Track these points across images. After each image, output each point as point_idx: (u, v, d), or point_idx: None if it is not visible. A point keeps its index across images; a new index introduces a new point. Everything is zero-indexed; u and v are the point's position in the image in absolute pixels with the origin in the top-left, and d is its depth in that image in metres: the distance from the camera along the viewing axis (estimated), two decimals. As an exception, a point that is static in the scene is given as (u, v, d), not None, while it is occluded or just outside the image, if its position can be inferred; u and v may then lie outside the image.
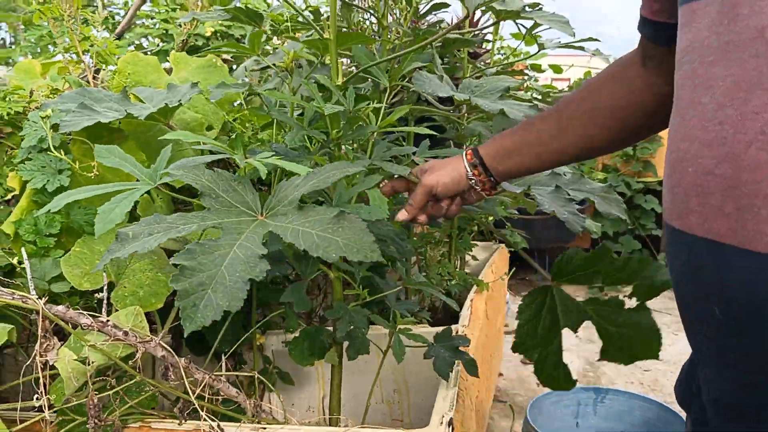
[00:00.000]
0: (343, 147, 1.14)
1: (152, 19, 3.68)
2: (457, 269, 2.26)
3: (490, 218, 2.50)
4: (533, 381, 2.49)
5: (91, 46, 1.63)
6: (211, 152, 1.05)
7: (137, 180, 1.01)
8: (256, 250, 0.82)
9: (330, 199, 1.08)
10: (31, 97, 1.24)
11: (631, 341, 1.12)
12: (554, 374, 1.23)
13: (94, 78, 1.61)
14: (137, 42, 3.88)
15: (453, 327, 1.74)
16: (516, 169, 1.08)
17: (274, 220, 0.89)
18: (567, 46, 1.88)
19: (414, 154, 1.22)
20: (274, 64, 1.28)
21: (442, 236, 2.25)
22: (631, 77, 0.95)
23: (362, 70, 1.14)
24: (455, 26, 1.05)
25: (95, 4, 4.46)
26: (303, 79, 1.15)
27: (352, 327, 1.16)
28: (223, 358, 1.18)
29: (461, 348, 1.30)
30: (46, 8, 1.55)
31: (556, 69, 2.62)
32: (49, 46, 2.48)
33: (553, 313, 1.18)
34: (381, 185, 1.16)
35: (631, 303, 1.13)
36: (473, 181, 1.09)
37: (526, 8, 1.52)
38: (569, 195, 1.10)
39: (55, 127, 1.10)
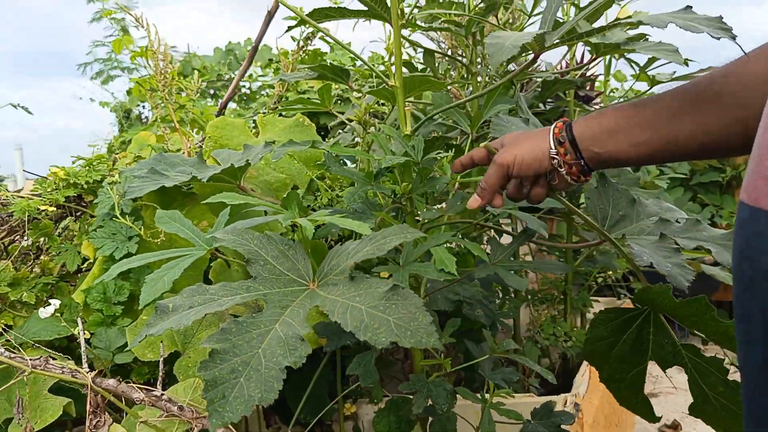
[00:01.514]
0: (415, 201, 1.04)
1: (272, 87, 3.84)
2: (575, 328, 2.06)
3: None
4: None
5: (186, 114, 1.67)
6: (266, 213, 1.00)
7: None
8: (298, 329, 0.73)
9: (395, 259, 0.98)
10: (114, 165, 1.26)
11: (727, 414, 0.91)
12: (633, 401, 1.03)
13: (198, 145, 1.64)
14: (262, 111, 4.04)
15: (564, 397, 1.56)
16: (615, 154, 0.87)
17: (325, 291, 0.81)
18: (683, 77, 1.70)
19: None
20: (348, 119, 1.22)
21: (557, 293, 2.07)
22: None
23: (432, 115, 1.05)
24: (528, 64, 0.93)
25: (222, 76, 4.73)
26: (373, 132, 1.08)
27: (430, 402, 1.04)
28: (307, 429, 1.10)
29: (565, 426, 1.14)
30: (143, 80, 1.60)
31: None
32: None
33: (641, 341, 0.99)
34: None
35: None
36: (556, 161, 0.90)
37: (628, 41, 1.38)
38: (677, 245, 0.92)
39: (124, 194, 1.10)
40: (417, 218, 1.07)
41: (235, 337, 0.74)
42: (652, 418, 1.07)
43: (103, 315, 1.04)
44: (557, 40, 0.90)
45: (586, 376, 1.69)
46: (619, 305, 2.43)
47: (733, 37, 0.79)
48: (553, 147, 0.90)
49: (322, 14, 1.26)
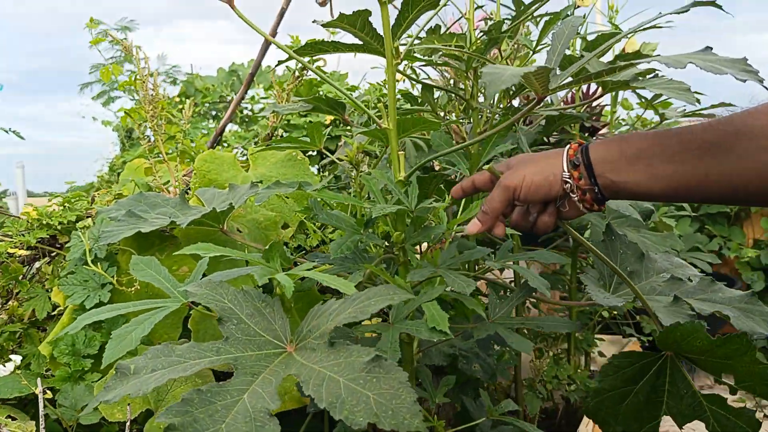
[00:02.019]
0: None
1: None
2: (579, 370, 1.97)
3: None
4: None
5: (177, 144, 1.61)
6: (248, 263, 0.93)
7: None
8: (268, 402, 0.65)
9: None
10: (92, 203, 1.19)
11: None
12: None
13: (184, 177, 1.57)
14: (254, 141, 4.00)
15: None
16: (633, 186, 0.78)
17: (302, 356, 0.73)
18: (694, 114, 1.63)
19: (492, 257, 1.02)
20: (338, 158, 1.16)
21: (560, 332, 1.99)
22: None
23: (429, 160, 0.98)
24: (532, 106, 0.86)
25: (225, 98, 4.69)
26: (363, 175, 1.01)
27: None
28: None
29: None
30: (132, 111, 1.54)
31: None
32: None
33: (656, 392, 0.89)
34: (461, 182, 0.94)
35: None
36: (569, 185, 0.81)
37: (638, 77, 1.31)
38: (693, 309, 0.85)
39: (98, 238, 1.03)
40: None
41: (197, 410, 0.66)
42: None
43: (71, 369, 0.96)
44: (564, 81, 0.83)
45: (589, 428, 1.61)
46: (624, 344, 2.34)
47: (761, 81, 0.72)
48: (566, 170, 0.81)
49: (315, 48, 1.20)
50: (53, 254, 1.16)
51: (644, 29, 0.96)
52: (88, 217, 1.15)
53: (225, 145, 4.41)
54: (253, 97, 4.73)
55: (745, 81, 0.65)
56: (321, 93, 2.07)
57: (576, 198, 0.82)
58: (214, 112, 4.78)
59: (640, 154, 0.77)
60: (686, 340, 0.82)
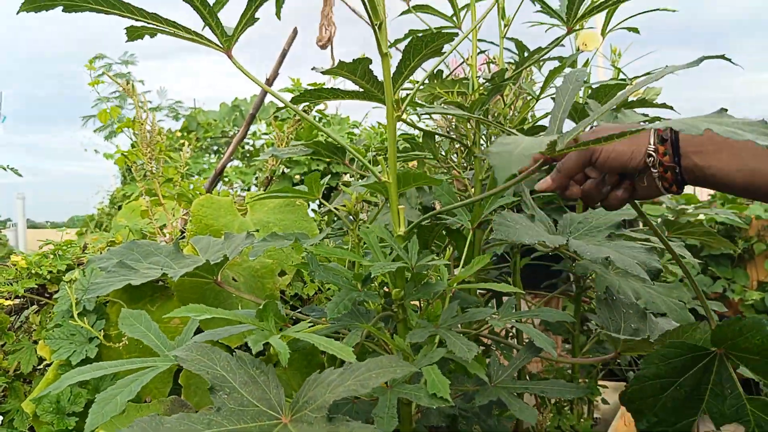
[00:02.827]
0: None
1: (274, 145, 3.78)
2: (582, 419, 1.92)
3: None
4: None
5: (175, 186, 1.58)
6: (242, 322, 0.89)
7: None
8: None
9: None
10: (84, 251, 1.16)
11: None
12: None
13: (181, 220, 1.54)
14: (254, 182, 3.99)
15: None
16: (717, 173, 0.76)
17: (298, 429, 0.69)
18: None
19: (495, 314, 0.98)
20: (336, 208, 1.13)
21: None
22: None
23: (432, 215, 0.95)
24: (537, 167, 0.83)
25: (227, 133, 4.69)
26: (362, 228, 0.98)
27: None
28: None
29: None
30: (130, 153, 1.52)
31: (691, 199, 2.29)
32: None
33: (699, 388, 0.84)
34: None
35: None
36: (652, 159, 0.79)
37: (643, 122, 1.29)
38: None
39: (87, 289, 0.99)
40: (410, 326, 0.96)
41: (186, 492, 0.62)
42: None
43: (54, 429, 0.92)
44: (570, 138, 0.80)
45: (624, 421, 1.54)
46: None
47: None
48: (652, 143, 0.79)
49: (314, 95, 1.18)
50: (42, 303, 1.12)
51: (651, 79, 0.94)
52: (79, 265, 1.12)
53: (226, 179, 4.40)
54: (254, 133, 4.74)
55: (766, 145, 0.62)
56: (321, 137, 2.05)
57: (656, 174, 0.80)
58: (215, 147, 4.79)
59: (728, 144, 0.75)
60: (745, 336, 0.78)
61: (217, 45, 0.93)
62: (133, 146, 1.67)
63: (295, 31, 2.00)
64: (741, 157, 0.75)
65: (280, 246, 0.96)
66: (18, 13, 0.88)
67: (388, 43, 0.98)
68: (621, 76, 1.78)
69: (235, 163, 4.72)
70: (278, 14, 1.12)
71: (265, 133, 4.78)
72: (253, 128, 5.08)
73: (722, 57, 0.90)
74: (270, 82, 1.99)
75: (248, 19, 0.93)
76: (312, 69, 1.08)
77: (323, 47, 2.00)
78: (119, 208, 5.72)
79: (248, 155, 4.84)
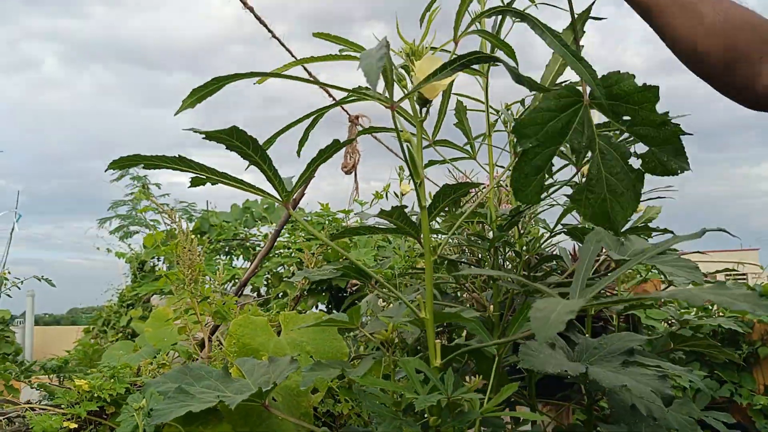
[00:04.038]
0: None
1: (288, 248, 3.92)
2: None
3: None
4: None
5: (210, 304, 1.70)
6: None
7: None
8: None
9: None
10: (138, 373, 1.26)
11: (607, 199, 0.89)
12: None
13: (209, 338, 1.65)
14: (276, 270, 4.12)
15: None
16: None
17: None
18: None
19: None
20: (372, 335, 1.23)
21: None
22: None
23: (464, 351, 1.06)
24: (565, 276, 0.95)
25: (239, 235, 4.84)
26: (401, 359, 1.08)
27: None
28: None
29: None
30: (171, 274, 1.64)
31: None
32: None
33: (569, 124, 0.98)
34: None
35: None
36: None
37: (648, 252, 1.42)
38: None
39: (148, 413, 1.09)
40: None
41: None
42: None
43: None
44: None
45: None
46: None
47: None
48: None
49: (353, 232, 1.31)
50: (99, 424, 1.21)
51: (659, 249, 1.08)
52: (134, 385, 1.21)
53: (237, 279, 4.50)
54: (266, 235, 4.89)
55: (759, 316, 0.74)
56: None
57: None
58: (227, 249, 4.92)
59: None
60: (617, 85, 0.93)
61: (278, 198, 1.07)
62: (146, 244, 1.80)
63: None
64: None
65: (328, 376, 1.07)
66: (105, 170, 1.03)
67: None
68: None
69: (246, 264, 4.85)
70: (299, 153, 1.22)
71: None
72: (264, 229, 5.24)
73: (722, 230, 1.05)
74: (296, 202, 2.14)
75: (306, 177, 1.07)
76: (355, 214, 1.22)
77: (348, 173, 2.17)
78: (129, 306, 5.78)
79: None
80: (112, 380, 1.19)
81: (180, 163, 1.05)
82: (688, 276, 1.36)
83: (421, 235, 1.18)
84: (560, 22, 1.15)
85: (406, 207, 1.31)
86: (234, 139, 1.00)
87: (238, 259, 5.05)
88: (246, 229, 5.33)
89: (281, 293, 4.39)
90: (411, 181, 1.11)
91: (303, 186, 1.10)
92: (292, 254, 4.25)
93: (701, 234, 0.90)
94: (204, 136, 0.98)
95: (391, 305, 1.50)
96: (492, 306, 1.53)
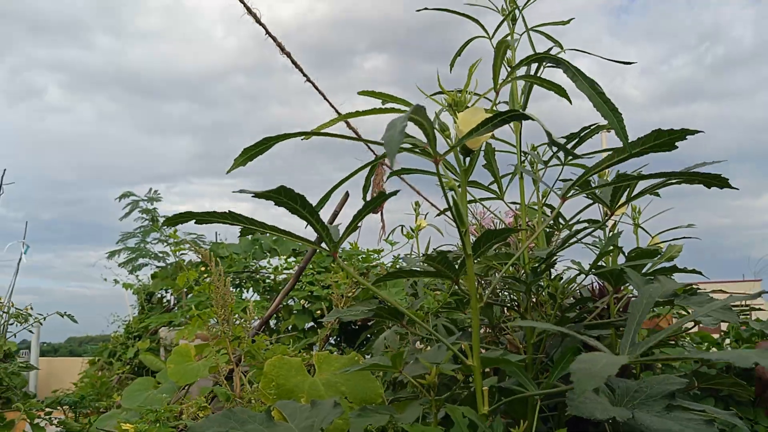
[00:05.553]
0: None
1: (299, 281, 3.93)
2: None
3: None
4: None
5: (239, 345, 1.71)
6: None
7: None
8: None
9: None
10: (180, 417, 1.27)
11: None
12: None
13: (241, 378, 1.65)
14: (286, 302, 4.12)
15: None
16: None
17: None
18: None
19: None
20: (414, 379, 1.25)
21: None
22: None
23: (508, 401, 1.07)
24: (599, 313, 0.96)
25: (249, 267, 4.85)
26: (448, 406, 1.09)
27: None
28: None
29: None
30: (204, 314, 1.66)
31: (706, 337, 2.41)
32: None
33: None
34: None
35: None
36: None
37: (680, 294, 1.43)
38: None
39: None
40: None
41: None
42: None
43: None
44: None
45: None
46: None
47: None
48: None
49: (393, 276, 1.33)
50: (143, 469, 1.22)
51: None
52: (178, 429, 1.22)
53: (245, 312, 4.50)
54: (276, 268, 4.91)
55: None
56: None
57: None
58: (237, 281, 4.93)
59: None
60: None
61: (326, 249, 1.09)
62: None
63: (346, 195, 2.20)
64: None
65: (376, 423, 1.08)
66: (161, 226, 1.05)
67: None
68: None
69: (256, 297, 4.85)
70: (321, 205, 1.22)
71: (286, 268, 4.94)
72: (274, 262, 5.25)
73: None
74: (320, 241, 2.16)
75: (352, 228, 1.10)
76: (397, 257, 1.24)
77: (374, 212, 2.19)
78: (135, 338, 5.75)
79: (268, 289, 4.97)
80: (157, 425, 1.21)
81: (230, 218, 1.07)
82: (721, 316, 1.37)
83: (461, 280, 1.20)
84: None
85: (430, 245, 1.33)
86: (282, 196, 1.02)
87: (248, 291, 5.06)
88: (255, 261, 5.34)
89: (290, 326, 4.39)
90: (442, 217, 1.13)
91: (349, 233, 1.12)
92: (303, 287, 4.25)
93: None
94: (253, 195, 1.01)
95: (429, 348, 1.51)
96: (526, 349, 1.54)
